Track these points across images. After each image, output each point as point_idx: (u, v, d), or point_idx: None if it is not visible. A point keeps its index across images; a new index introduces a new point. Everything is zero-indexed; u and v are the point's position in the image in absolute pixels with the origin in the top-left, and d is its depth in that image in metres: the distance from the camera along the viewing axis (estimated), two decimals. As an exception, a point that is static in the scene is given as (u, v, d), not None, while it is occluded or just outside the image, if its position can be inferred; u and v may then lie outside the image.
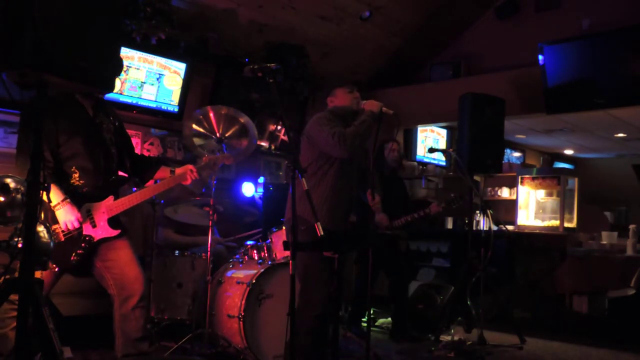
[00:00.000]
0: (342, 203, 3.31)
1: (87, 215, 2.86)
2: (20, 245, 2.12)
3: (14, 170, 2.71)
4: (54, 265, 2.86)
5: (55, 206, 2.78)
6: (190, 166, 3.14)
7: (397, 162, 5.01)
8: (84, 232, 2.85)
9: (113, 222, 2.92)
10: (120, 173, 3.11)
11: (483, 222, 5.80)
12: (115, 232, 2.91)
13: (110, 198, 2.92)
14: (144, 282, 2.98)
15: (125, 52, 4.88)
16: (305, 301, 3.14)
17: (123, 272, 2.93)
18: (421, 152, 7.59)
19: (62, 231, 2.82)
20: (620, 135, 7.63)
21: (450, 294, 4.95)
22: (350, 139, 3.15)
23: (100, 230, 2.89)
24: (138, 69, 5.01)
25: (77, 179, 2.87)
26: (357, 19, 6.22)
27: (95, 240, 2.88)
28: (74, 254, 2.84)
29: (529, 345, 4.72)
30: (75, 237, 2.85)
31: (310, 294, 3.13)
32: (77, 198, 2.86)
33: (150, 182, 3.22)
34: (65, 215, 2.78)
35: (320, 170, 3.24)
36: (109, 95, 4.73)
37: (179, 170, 3.15)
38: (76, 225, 2.80)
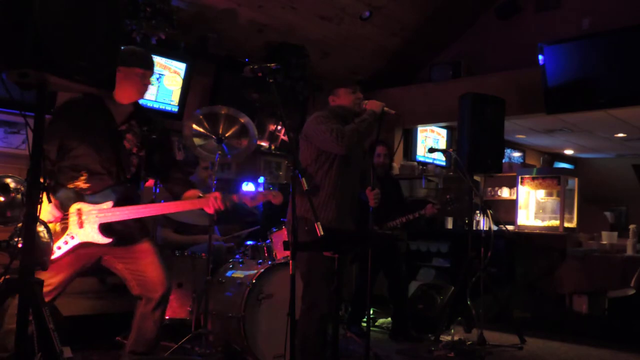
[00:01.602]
0: (347, 202, 3.31)
1: (75, 214, 2.79)
2: (20, 245, 2.12)
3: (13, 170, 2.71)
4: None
5: None
6: (216, 193, 2.98)
7: (382, 167, 4.93)
8: (68, 230, 2.78)
9: (106, 229, 2.81)
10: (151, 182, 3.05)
11: (483, 222, 5.80)
12: (106, 240, 2.80)
13: (109, 203, 2.82)
14: (167, 285, 2.95)
15: (125, 52, 4.87)
16: (311, 302, 3.14)
17: (145, 275, 2.91)
18: (421, 152, 7.59)
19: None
20: (620, 135, 7.63)
21: (450, 294, 4.96)
22: (348, 136, 3.15)
23: (87, 232, 2.78)
24: (138, 69, 5.01)
25: (84, 181, 2.83)
26: (357, 19, 6.22)
27: (78, 242, 2.77)
28: (53, 252, 2.73)
29: (529, 345, 4.72)
30: (57, 232, 2.77)
31: (316, 294, 3.13)
32: (70, 195, 2.80)
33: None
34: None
35: (320, 170, 3.24)
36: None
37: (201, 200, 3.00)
38: (50, 218, 2.71)
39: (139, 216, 2.90)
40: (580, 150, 9.19)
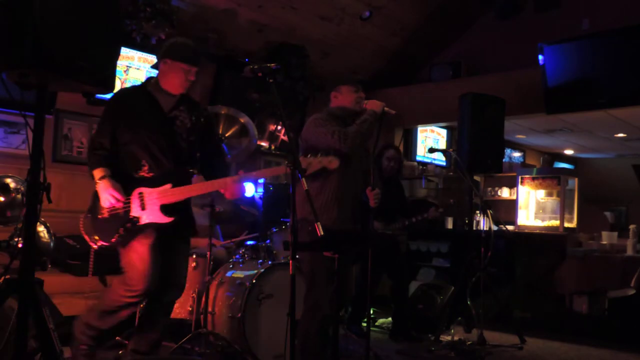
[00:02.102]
0: (349, 203, 3.30)
1: (138, 197, 2.89)
2: (20, 245, 2.12)
3: (14, 170, 2.73)
4: (97, 238, 2.92)
5: (96, 183, 2.89)
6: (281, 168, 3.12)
7: (393, 172, 4.96)
8: (132, 213, 2.88)
9: (167, 209, 2.90)
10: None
11: (483, 222, 5.80)
12: (167, 219, 2.89)
13: (167, 185, 2.91)
14: (179, 292, 3.09)
15: (125, 52, 4.88)
16: (314, 303, 3.14)
17: (169, 273, 2.99)
18: (421, 152, 7.59)
19: (107, 208, 2.88)
20: (620, 135, 7.63)
21: (450, 294, 4.95)
22: (351, 137, 3.14)
23: (150, 214, 2.88)
24: (138, 69, 5.02)
25: (147, 171, 2.93)
26: (357, 19, 6.22)
27: (141, 223, 2.87)
28: (116, 234, 2.87)
29: (529, 345, 4.72)
30: (120, 215, 2.88)
31: (319, 295, 3.13)
32: (130, 181, 2.91)
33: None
34: (101, 192, 2.87)
35: (323, 172, 3.23)
36: (109, 95, 4.74)
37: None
38: (111, 200, 2.85)
39: (197, 193, 3.02)
40: (580, 150, 9.19)
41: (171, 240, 2.99)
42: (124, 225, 2.86)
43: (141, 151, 2.92)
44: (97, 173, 2.90)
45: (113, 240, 2.88)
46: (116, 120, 2.96)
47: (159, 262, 2.91)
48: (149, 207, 2.88)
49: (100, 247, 2.95)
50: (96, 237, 2.92)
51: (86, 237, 2.96)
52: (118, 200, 2.86)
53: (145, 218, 2.88)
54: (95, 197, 2.92)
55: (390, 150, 4.94)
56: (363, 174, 3.41)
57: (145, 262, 2.86)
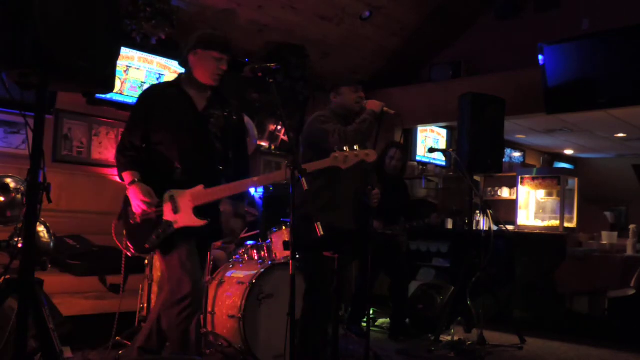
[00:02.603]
0: (349, 202, 3.31)
1: (170, 201, 2.79)
2: (20, 245, 2.12)
3: (13, 170, 2.72)
4: (130, 245, 2.85)
5: (126, 188, 2.80)
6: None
7: (397, 171, 4.96)
8: (165, 217, 2.78)
9: (200, 211, 2.80)
10: None
11: (483, 222, 5.80)
12: (201, 222, 2.78)
13: (200, 187, 2.81)
14: (197, 283, 2.89)
15: (125, 52, 4.88)
16: (314, 302, 3.14)
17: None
18: (421, 152, 7.59)
19: (139, 214, 2.79)
20: (620, 135, 7.63)
21: (450, 294, 4.95)
22: (351, 137, 3.14)
23: (183, 217, 2.78)
24: (138, 69, 5.02)
25: (180, 172, 2.83)
26: (357, 19, 6.23)
27: (176, 227, 2.77)
28: (149, 240, 2.78)
29: (529, 345, 4.72)
30: (153, 220, 2.78)
31: (319, 295, 3.13)
32: (162, 182, 2.81)
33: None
34: (132, 199, 2.78)
35: (323, 171, 3.23)
36: (109, 95, 4.74)
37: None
38: (142, 207, 2.75)
39: (230, 194, 2.89)
40: (580, 150, 9.19)
41: (199, 242, 2.91)
42: (157, 231, 2.77)
43: (174, 151, 2.83)
44: (127, 177, 2.79)
45: (147, 246, 2.79)
46: (148, 119, 2.85)
47: (198, 264, 2.83)
48: (182, 210, 2.78)
49: (133, 254, 2.87)
50: (129, 244, 2.84)
51: (118, 244, 2.88)
52: (150, 206, 2.76)
53: (180, 222, 2.79)
54: (127, 202, 2.83)
55: (393, 148, 4.92)
56: (363, 173, 3.42)
57: (187, 264, 2.76)
